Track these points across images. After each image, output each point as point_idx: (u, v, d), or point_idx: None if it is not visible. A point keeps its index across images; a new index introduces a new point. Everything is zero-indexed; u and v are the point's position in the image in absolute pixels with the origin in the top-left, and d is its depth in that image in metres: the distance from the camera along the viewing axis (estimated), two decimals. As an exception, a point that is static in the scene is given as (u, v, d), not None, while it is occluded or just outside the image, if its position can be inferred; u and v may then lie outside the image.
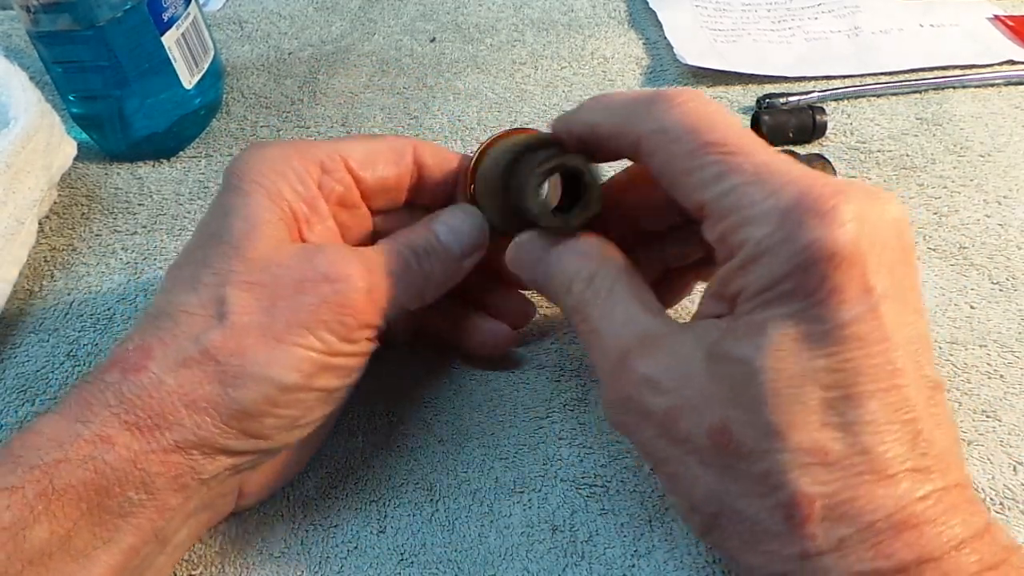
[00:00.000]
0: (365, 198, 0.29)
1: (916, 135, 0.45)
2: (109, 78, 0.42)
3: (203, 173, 0.46)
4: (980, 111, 0.46)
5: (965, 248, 0.37)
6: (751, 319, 0.21)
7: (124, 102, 0.43)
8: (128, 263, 0.40)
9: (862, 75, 0.49)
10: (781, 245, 0.20)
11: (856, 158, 0.43)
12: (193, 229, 0.29)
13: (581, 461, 0.30)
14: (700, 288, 0.32)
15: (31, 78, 0.41)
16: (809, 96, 0.47)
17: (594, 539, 0.27)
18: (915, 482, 0.20)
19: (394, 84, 0.53)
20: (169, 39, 0.44)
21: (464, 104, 0.50)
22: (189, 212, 0.43)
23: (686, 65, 0.50)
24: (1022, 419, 0.30)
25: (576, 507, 0.28)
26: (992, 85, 0.48)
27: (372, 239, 0.29)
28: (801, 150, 0.43)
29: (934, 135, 0.44)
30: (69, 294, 0.39)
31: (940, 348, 0.33)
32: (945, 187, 0.41)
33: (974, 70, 0.49)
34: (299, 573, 0.27)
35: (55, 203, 0.44)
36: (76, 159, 0.42)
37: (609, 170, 0.29)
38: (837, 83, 0.49)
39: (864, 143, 0.44)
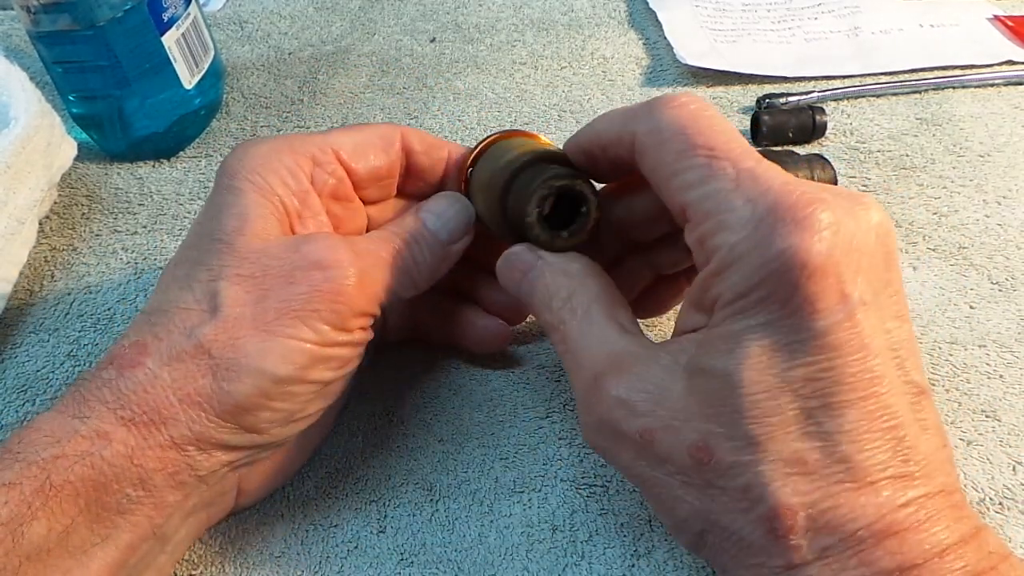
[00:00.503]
0: (358, 189, 0.29)
1: (916, 135, 0.45)
2: (109, 78, 0.42)
3: (203, 173, 0.46)
4: (980, 111, 0.46)
5: (964, 248, 0.37)
6: (727, 329, 0.21)
7: (124, 102, 0.43)
8: (128, 263, 0.40)
9: (862, 75, 0.49)
10: (753, 251, 0.20)
11: (856, 158, 0.43)
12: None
13: (581, 461, 0.30)
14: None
15: (31, 78, 0.41)
16: (809, 96, 0.47)
17: (594, 539, 0.27)
18: (897, 489, 0.20)
19: (394, 84, 0.53)
20: (169, 39, 0.44)
21: (464, 104, 0.50)
22: (189, 212, 0.43)
23: (686, 65, 0.50)
24: (1022, 419, 0.30)
25: (576, 507, 0.28)
26: (992, 85, 0.48)
27: (365, 232, 0.29)
28: (801, 150, 0.43)
29: (934, 135, 0.44)
30: (69, 294, 0.39)
31: (940, 348, 0.33)
32: (945, 187, 0.41)
33: (974, 70, 0.49)
34: (299, 573, 0.27)
35: (55, 203, 0.44)
36: (76, 159, 0.42)
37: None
38: (837, 83, 0.49)
39: (864, 143, 0.44)
